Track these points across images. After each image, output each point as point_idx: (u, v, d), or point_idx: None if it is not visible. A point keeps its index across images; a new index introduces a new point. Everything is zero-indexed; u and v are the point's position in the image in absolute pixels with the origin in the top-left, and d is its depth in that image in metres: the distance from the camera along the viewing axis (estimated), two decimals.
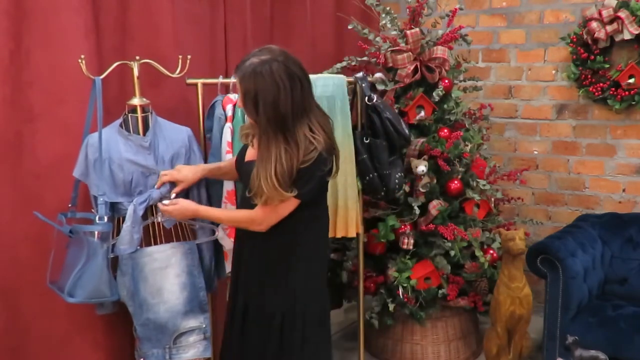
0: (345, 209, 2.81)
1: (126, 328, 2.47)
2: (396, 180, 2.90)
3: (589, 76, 3.52)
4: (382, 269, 3.23)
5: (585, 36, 3.47)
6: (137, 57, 2.34)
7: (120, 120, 2.33)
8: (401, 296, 3.06)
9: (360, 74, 2.95)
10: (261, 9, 3.18)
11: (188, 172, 2.33)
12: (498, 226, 3.34)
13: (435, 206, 3.08)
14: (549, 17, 3.72)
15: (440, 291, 3.12)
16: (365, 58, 3.30)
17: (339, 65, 3.27)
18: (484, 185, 3.19)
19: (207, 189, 2.53)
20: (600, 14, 3.38)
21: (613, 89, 3.46)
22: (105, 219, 2.20)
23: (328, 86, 2.75)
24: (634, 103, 3.43)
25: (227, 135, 2.47)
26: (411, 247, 3.10)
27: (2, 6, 2.16)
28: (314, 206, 2.14)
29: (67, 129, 2.32)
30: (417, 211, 3.09)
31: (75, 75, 2.23)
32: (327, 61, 3.41)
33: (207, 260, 2.53)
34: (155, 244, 2.37)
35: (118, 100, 2.44)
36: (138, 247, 2.29)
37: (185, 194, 2.40)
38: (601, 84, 3.49)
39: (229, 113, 2.49)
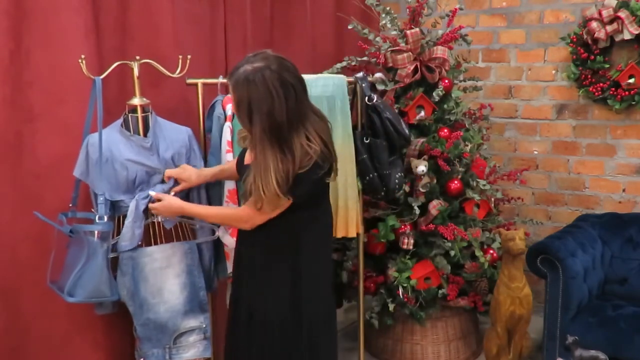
0: (346, 209, 2.81)
1: (126, 328, 2.47)
2: (396, 180, 2.90)
3: (589, 76, 3.52)
4: (382, 269, 3.23)
5: (585, 36, 3.46)
6: (137, 57, 2.34)
7: (120, 120, 2.33)
8: (401, 296, 3.06)
9: (360, 74, 2.95)
10: (261, 9, 3.18)
11: (192, 174, 2.33)
12: (498, 226, 3.34)
13: (435, 206, 3.08)
14: (549, 17, 3.71)
15: (440, 291, 3.12)
16: (365, 58, 3.30)
17: (339, 65, 3.27)
18: (484, 185, 3.19)
19: (207, 190, 2.52)
20: (600, 14, 3.37)
21: (613, 89, 3.46)
22: (105, 218, 2.20)
23: (328, 86, 2.75)
24: (634, 103, 3.43)
25: (227, 135, 2.47)
26: (411, 247, 3.10)
27: (2, 6, 2.15)
28: (314, 207, 2.13)
29: (67, 129, 2.32)
30: (417, 211, 3.09)
31: (76, 75, 2.23)
32: (327, 61, 3.41)
33: (207, 260, 2.53)
34: (156, 244, 2.37)
35: (118, 100, 2.44)
36: (139, 244, 2.29)
37: (185, 194, 2.40)
38: (601, 84, 3.49)
39: (229, 112, 2.49)
